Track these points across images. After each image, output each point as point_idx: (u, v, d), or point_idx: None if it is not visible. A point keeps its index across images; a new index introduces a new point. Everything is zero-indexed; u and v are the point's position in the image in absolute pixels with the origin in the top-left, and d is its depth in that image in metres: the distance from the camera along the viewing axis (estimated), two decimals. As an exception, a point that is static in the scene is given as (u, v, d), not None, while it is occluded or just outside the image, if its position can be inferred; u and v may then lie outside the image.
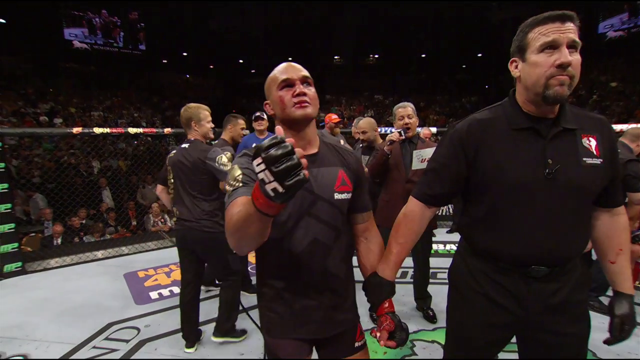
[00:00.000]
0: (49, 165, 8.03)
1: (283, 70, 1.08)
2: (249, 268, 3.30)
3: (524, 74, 1.01)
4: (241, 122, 2.82)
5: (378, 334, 1.12)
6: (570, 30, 0.94)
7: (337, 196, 1.09)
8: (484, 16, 14.95)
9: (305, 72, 1.08)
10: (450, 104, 17.74)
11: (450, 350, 1.25)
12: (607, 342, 1.12)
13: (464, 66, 18.90)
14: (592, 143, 1.02)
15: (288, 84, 1.05)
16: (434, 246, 3.85)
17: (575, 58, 0.94)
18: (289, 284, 1.10)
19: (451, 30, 16.49)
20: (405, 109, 2.44)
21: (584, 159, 1.00)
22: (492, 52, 16.59)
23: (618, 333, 1.09)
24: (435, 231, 2.73)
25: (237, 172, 0.99)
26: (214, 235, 2.21)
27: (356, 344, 1.21)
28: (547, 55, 0.96)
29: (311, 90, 1.07)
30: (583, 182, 1.00)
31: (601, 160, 1.01)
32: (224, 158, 2.16)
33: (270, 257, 1.12)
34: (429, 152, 2.26)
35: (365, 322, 2.56)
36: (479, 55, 17.49)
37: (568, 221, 1.02)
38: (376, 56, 20.34)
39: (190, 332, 2.35)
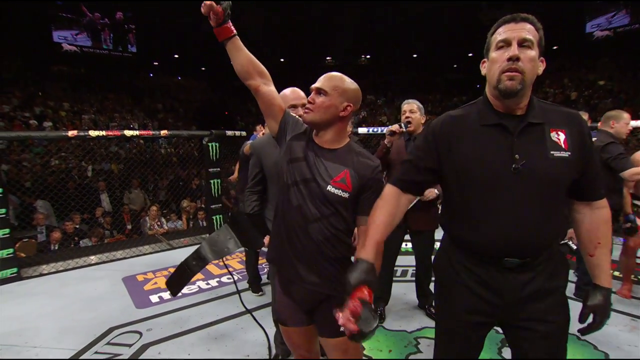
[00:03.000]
0: (39, 170, 7.90)
1: None
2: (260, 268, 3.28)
3: (487, 70, 1.10)
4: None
5: (340, 314, 1.00)
6: (522, 29, 1.03)
7: (329, 188, 1.21)
8: (475, 16, 15.10)
9: (322, 83, 1.25)
10: (442, 103, 17.85)
11: (437, 337, 1.31)
12: (581, 331, 1.15)
13: (455, 66, 19.03)
14: (561, 137, 1.05)
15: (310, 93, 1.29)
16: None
17: (526, 54, 1.02)
18: (279, 246, 1.31)
19: (442, 30, 16.61)
20: (409, 105, 2.49)
21: (552, 152, 1.03)
22: (483, 51, 16.76)
23: (585, 322, 1.13)
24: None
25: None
26: None
27: (342, 328, 1.24)
28: (502, 51, 1.04)
29: (319, 99, 1.24)
30: (551, 174, 1.03)
31: (569, 153, 1.04)
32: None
33: (274, 222, 1.36)
34: None
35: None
36: (470, 54, 17.65)
37: (537, 213, 1.05)
38: (368, 57, 20.42)
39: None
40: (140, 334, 2.53)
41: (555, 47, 14.78)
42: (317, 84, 1.25)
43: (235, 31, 1.27)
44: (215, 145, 4.68)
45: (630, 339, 2.32)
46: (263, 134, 3.42)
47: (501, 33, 1.05)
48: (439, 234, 4.71)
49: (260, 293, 3.10)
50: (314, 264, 1.25)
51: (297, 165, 1.26)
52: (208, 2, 1.20)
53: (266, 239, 1.81)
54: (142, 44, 15.24)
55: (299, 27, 16.41)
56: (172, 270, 3.67)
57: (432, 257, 2.68)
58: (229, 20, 1.26)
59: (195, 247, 4.96)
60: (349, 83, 1.28)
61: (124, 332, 2.56)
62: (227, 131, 4.85)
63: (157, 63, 17.91)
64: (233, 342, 2.40)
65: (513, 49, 1.01)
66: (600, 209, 1.14)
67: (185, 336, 2.49)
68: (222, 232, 1.62)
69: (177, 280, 1.61)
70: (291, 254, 1.27)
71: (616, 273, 3.25)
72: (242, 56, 1.28)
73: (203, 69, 19.41)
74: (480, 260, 1.13)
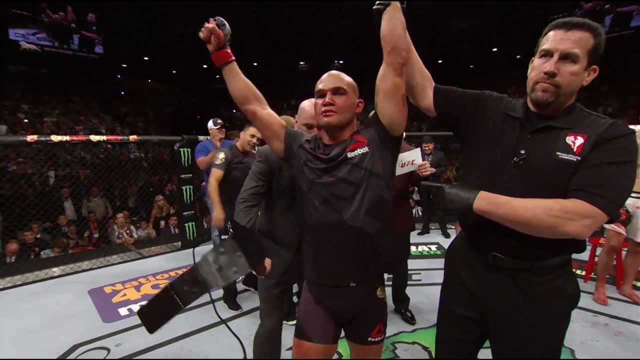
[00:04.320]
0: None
1: (322, 80, 1.24)
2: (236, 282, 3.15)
3: (529, 73, 1.08)
4: (250, 130, 2.79)
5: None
6: (569, 40, 0.97)
7: (349, 154, 1.20)
8: (445, 24, 15.61)
9: (339, 83, 1.22)
10: (413, 108, 18.16)
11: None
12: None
13: (425, 72, 19.56)
14: (578, 141, 0.99)
15: (321, 94, 1.23)
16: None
17: (566, 68, 0.98)
18: (315, 259, 1.25)
19: (413, 37, 17.06)
20: None
21: (558, 153, 0.99)
22: (452, 59, 17.35)
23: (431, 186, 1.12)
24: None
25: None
26: None
27: (370, 339, 1.29)
28: (542, 61, 1.02)
29: (341, 100, 1.21)
30: (551, 176, 1.00)
31: (579, 158, 0.97)
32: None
33: (303, 224, 1.29)
34: (407, 155, 2.30)
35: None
36: (440, 61, 18.24)
37: None
38: (341, 62, 20.63)
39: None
40: (108, 350, 2.40)
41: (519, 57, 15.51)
42: (333, 84, 1.22)
43: (233, 57, 1.28)
44: (187, 151, 4.56)
45: (593, 334, 2.44)
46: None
47: (548, 40, 1.01)
48: (414, 237, 4.76)
49: (239, 310, 2.91)
50: (353, 252, 1.20)
51: (312, 165, 1.25)
52: (210, 26, 1.21)
53: (267, 263, 1.44)
54: (109, 45, 14.64)
55: (273, 31, 16.35)
56: (142, 280, 3.57)
57: (408, 260, 2.74)
58: (229, 46, 1.28)
59: (167, 255, 4.74)
60: (351, 79, 1.28)
61: (90, 349, 2.41)
62: (199, 136, 4.72)
63: (125, 65, 17.27)
64: (207, 354, 2.32)
65: (551, 64, 0.98)
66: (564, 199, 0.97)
67: (157, 350, 2.38)
68: (228, 247, 1.20)
69: (159, 311, 1.16)
70: (330, 256, 1.22)
71: (582, 275, 3.42)
72: (239, 81, 1.29)
73: (174, 72, 18.93)
74: (472, 248, 1.16)
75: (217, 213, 2.72)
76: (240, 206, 1.55)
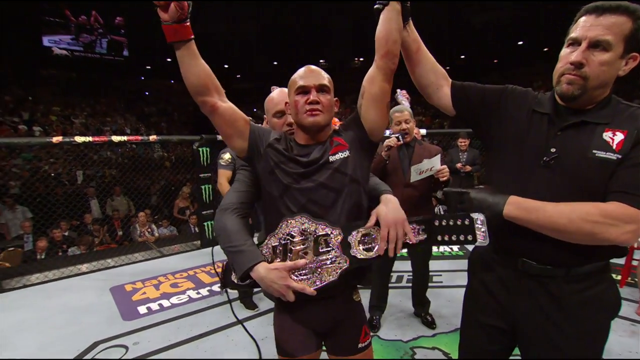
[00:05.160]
0: (27, 176, 7.74)
1: (302, 75, 1.13)
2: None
3: (557, 64, 0.98)
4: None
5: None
6: (600, 26, 0.87)
7: (331, 158, 1.11)
8: (467, 19, 15.18)
9: (323, 80, 1.12)
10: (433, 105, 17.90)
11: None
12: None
13: (447, 68, 18.98)
14: (617, 137, 0.89)
15: (304, 90, 1.11)
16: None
17: (596, 58, 0.89)
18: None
19: (434, 32, 16.69)
20: (402, 114, 2.37)
21: (594, 151, 0.90)
22: (475, 54, 16.87)
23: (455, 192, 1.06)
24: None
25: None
26: None
27: (360, 345, 1.23)
28: (570, 50, 0.93)
29: (326, 98, 1.12)
30: (587, 176, 0.91)
31: (619, 156, 0.88)
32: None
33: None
34: (425, 164, 2.20)
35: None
36: (462, 57, 17.76)
37: None
38: (361, 59, 20.45)
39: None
40: (127, 348, 2.43)
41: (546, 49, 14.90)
42: (318, 81, 1.11)
43: (193, 34, 1.04)
44: (206, 150, 4.60)
45: (631, 345, 2.26)
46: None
47: (577, 27, 0.92)
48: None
49: (256, 309, 2.88)
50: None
51: (287, 168, 1.12)
52: None
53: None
54: (134, 48, 15.09)
55: (294, 29, 16.40)
56: (162, 279, 3.62)
57: (429, 261, 2.64)
58: (189, 20, 1.04)
59: (187, 254, 4.82)
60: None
61: (110, 347, 2.45)
62: (218, 135, 4.75)
63: (149, 67, 17.75)
64: (223, 355, 2.30)
65: (577, 53, 0.90)
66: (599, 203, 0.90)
67: (174, 349, 2.39)
68: None
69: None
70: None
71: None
72: (199, 65, 1.07)
73: (196, 72, 19.30)
74: (500, 255, 1.09)
75: None
76: (233, 213, 1.16)
